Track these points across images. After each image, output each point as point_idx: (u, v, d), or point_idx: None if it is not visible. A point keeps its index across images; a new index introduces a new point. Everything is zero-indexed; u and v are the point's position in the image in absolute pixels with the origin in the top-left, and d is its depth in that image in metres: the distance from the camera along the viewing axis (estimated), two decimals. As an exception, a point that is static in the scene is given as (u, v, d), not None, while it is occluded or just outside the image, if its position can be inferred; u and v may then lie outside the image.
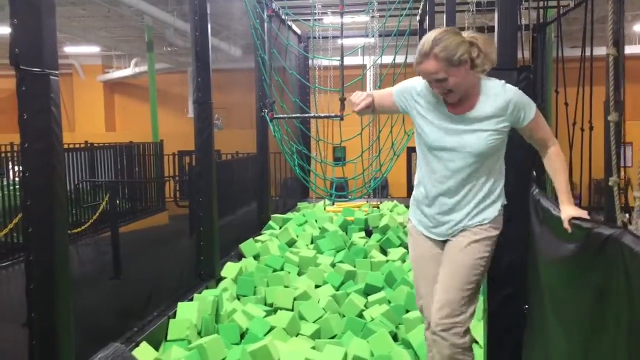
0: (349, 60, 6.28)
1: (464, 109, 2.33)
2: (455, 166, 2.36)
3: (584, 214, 2.00)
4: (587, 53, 4.35)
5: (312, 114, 8.05)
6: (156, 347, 3.64)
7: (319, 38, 8.92)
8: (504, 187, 2.46)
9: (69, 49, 15.00)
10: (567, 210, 2.04)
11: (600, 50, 3.35)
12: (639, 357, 1.33)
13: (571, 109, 4.40)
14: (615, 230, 1.51)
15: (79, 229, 7.95)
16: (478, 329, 3.52)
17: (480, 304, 3.68)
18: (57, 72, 2.61)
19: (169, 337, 3.83)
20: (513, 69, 2.63)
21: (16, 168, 8.33)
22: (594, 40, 4.28)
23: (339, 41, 9.30)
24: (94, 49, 15.48)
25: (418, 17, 8.71)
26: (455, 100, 2.31)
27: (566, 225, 1.96)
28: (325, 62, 9.04)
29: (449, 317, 2.38)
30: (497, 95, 2.30)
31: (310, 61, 9.63)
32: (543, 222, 2.32)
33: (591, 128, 4.45)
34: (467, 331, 2.40)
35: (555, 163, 2.35)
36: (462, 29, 2.63)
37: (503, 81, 2.36)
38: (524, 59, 3.92)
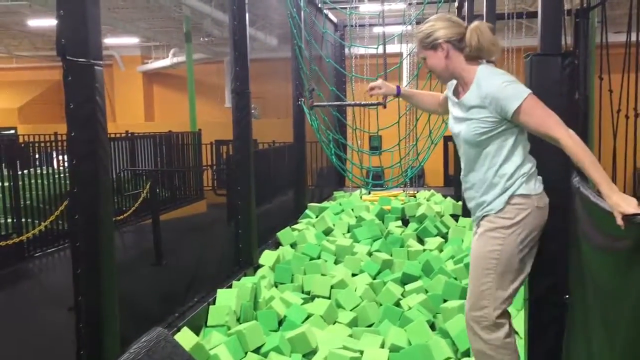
0: (386, 49, 6.22)
1: (460, 95, 2.42)
2: (462, 153, 2.46)
3: (633, 203, 1.91)
4: (633, 38, 4.21)
5: (353, 102, 8.02)
6: (197, 333, 3.72)
7: (356, 26, 8.86)
8: (536, 175, 2.39)
9: (109, 40, 15.29)
10: (615, 203, 1.90)
11: (647, 35, 3.24)
12: None
13: (615, 96, 4.28)
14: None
15: (121, 217, 8.14)
16: (518, 319, 3.49)
17: (520, 294, 3.64)
18: (101, 62, 2.67)
19: (209, 323, 3.90)
20: (557, 55, 2.58)
21: (60, 157, 8.58)
22: (640, 24, 4.15)
23: (375, 29, 9.24)
24: (133, 40, 15.74)
25: (456, 3, 8.57)
26: (443, 83, 2.54)
27: (619, 221, 1.86)
28: (362, 51, 8.98)
29: (472, 310, 2.39)
30: (480, 86, 2.31)
31: (346, 49, 9.59)
32: (587, 213, 2.27)
33: (636, 115, 4.32)
34: (499, 327, 2.35)
35: (572, 154, 2.14)
36: (501, 16, 2.60)
37: (500, 72, 2.34)
38: (566, 45, 3.83)
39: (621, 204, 1.87)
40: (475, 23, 2.35)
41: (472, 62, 2.35)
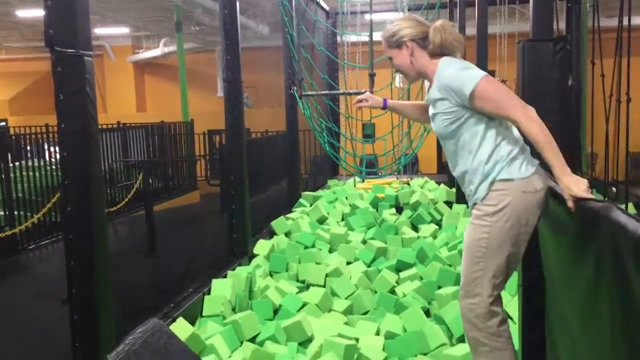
0: (378, 36, 6.19)
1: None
2: (444, 149, 2.49)
3: (583, 186, 1.92)
4: (625, 22, 4.21)
5: (341, 91, 8.00)
6: (192, 323, 3.72)
7: (347, 14, 8.82)
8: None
9: (99, 31, 15.15)
10: (566, 185, 1.93)
11: (638, 20, 3.24)
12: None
13: (607, 81, 4.29)
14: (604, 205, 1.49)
15: (114, 208, 8.11)
16: (512, 305, 3.51)
17: (514, 280, 3.66)
18: (90, 52, 2.65)
19: (204, 313, 3.91)
20: (549, 40, 2.57)
21: (52, 149, 8.53)
22: (632, 9, 4.14)
23: (367, 16, 9.20)
24: (124, 30, 15.61)
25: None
26: (410, 82, 2.59)
27: (569, 204, 1.89)
28: (353, 38, 8.95)
29: (466, 298, 2.40)
30: (438, 78, 2.36)
31: (338, 37, 9.55)
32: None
33: (628, 100, 4.33)
34: (493, 314, 2.36)
35: (529, 134, 2.13)
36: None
37: (457, 61, 2.34)
38: (558, 30, 3.82)
39: (571, 186, 1.89)
40: (440, 22, 2.39)
41: (435, 58, 2.39)
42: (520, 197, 2.26)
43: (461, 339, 3.45)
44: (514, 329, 3.18)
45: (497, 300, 2.38)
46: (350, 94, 6.72)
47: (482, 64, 7.07)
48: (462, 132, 2.33)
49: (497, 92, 2.21)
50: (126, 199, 8.36)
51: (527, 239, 2.32)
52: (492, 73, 5.49)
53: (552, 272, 2.26)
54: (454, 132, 2.35)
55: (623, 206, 1.94)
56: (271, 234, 5.90)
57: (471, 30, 7.52)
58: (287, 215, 6.31)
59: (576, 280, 1.77)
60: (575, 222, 1.76)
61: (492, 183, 2.29)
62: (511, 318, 3.57)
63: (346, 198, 7.15)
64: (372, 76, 5.60)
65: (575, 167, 2.74)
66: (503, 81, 9.87)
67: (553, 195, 2.22)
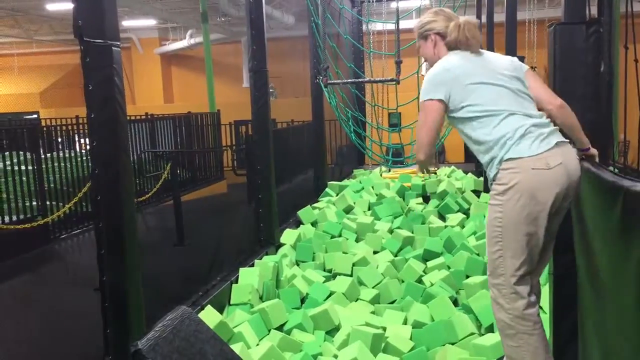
0: (404, 24, 6.13)
1: None
2: None
3: None
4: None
5: (368, 79, 7.95)
6: (220, 311, 3.75)
7: (373, 1, 8.75)
8: None
9: (126, 23, 15.31)
10: None
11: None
12: None
13: (642, 66, 4.17)
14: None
15: (142, 198, 8.21)
16: (543, 293, 3.46)
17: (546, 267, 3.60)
18: (118, 43, 2.66)
19: (232, 301, 3.94)
20: (582, 23, 2.50)
21: (82, 140, 8.66)
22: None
23: (393, 4, 9.11)
24: (151, 22, 15.74)
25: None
26: None
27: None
28: (379, 26, 8.88)
29: (492, 278, 2.42)
30: None
31: (364, 25, 9.48)
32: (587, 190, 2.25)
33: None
34: (519, 296, 2.35)
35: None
36: None
37: (438, 65, 2.49)
38: (590, 15, 3.73)
39: None
40: (463, 19, 2.52)
41: (450, 51, 2.55)
42: (531, 174, 2.27)
43: (490, 329, 3.42)
44: (544, 318, 3.14)
45: (522, 282, 2.36)
46: (377, 81, 6.67)
47: (511, 50, 6.95)
48: (458, 122, 2.48)
49: (423, 119, 2.46)
50: (154, 189, 8.46)
51: (545, 216, 2.29)
52: (521, 59, 5.40)
53: (589, 261, 2.20)
54: (454, 123, 2.50)
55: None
56: (298, 223, 5.91)
57: (500, 16, 7.39)
58: (313, 205, 6.32)
59: (621, 269, 1.72)
60: (619, 209, 1.70)
61: (500, 162, 2.33)
62: (541, 307, 3.53)
63: (372, 187, 7.12)
64: (398, 63, 5.56)
65: (607, 154, 2.67)
66: (532, 67, 9.70)
67: (589, 182, 2.17)
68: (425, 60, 2.67)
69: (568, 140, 2.40)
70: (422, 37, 2.62)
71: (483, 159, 2.43)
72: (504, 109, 2.36)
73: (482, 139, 2.39)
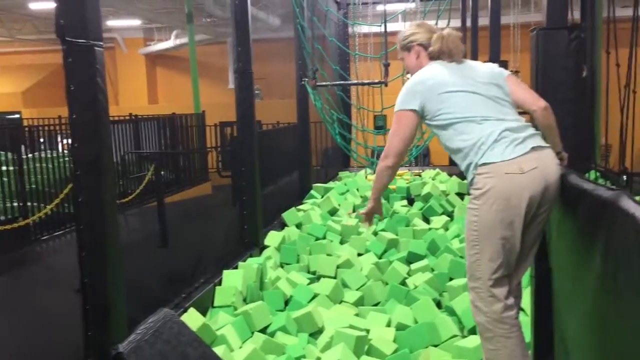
0: (389, 27, 6.15)
1: None
2: None
3: None
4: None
5: (356, 81, 7.96)
6: (203, 313, 3.73)
7: (359, 4, 8.77)
8: None
9: (111, 23, 15.20)
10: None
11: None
12: None
13: (622, 71, 4.22)
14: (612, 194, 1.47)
15: (126, 199, 8.15)
16: (525, 297, 3.48)
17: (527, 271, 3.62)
18: (101, 43, 2.64)
19: (215, 304, 3.92)
20: (563, 28, 2.53)
21: (64, 140, 8.58)
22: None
23: (379, 7, 9.14)
24: (135, 22, 15.64)
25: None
26: None
27: None
28: (365, 29, 8.90)
29: (470, 282, 2.46)
30: None
31: (349, 28, 9.50)
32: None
33: (644, 90, 4.26)
34: (496, 299, 2.37)
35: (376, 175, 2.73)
36: None
37: (417, 74, 2.57)
38: (572, 19, 3.77)
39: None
40: (447, 30, 2.62)
41: (431, 61, 2.63)
42: (504, 179, 2.30)
43: (472, 331, 3.44)
44: (526, 321, 3.17)
45: (499, 285, 2.38)
46: (365, 84, 6.69)
47: (495, 54, 7.01)
48: (434, 128, 2.54)
49: (395, 128, 2.55)
50: (138, 191, 8.40)
51: (521, 221, 2.31)
52: (504, 63, 5.44)
53: (560, 262, 2.24)
54: (432, 129, 2.57)
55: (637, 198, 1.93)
56: (282, 225, 5.90)
57: (483, 20, 7.45)
58: (298, 207, 6.31)
59: (584, 268, 1.75)
60: (584, 210, 1.74)
61: (476, 167, 2.37)
62: (523, 310, 3.55)
63: (357, 190, 7.13)
64: (386, 66, 5.58)
65: (589, 158, 2.71)
66: (516, 72, 9.79)
67: (560, 183, 2.20)
68: (407, 72, 2.74)
69: (548, 145, 2.40)
70: (406, 49, 2.71)
71: (461, 165, 2.48)
72: (477, 115, 2.41)
73: (458, 146, 2.44)
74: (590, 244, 1.67)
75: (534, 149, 2.33)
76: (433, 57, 2.61)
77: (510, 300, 2.41)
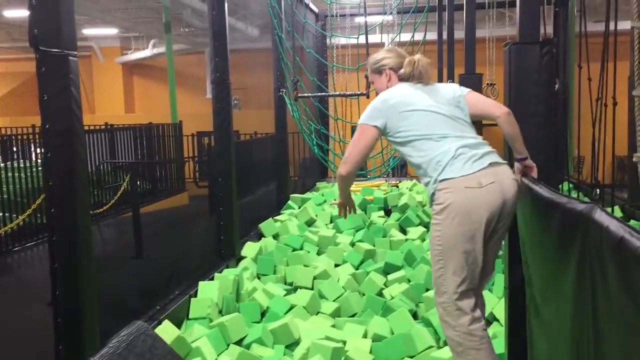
0: (368, 39, 6.20)
1: None
2: None
3: None
4: (611, 27, 4.24)
5: (338, 93, 8.01)
6: (178, 326, 3.69)
7: (337, 16, 8.83)
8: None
9: (87, 31, 15.05)
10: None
11: (625, 25, 3.26)
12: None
13: (594, 85, 4.31)
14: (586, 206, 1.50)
15: (100, 210, 8.05)
16: (500, 307, 3.52)
17: (500, 282, 3.67)
18: (75, 52, 2.62)
19: (190, 316, 3.88)
20: (535, 43, 2.58)
21: (38, 150, 8.45)
22: (619, 13, 4.17)
23: (357, 19, 9.22)
24: (112, 31, 15.51)
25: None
26: None
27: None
28: (343, 41, 8.96)
29: (436, 296, 2.48)
30: None
31: (327, 40, 9.56)
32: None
33: (615, 104, 4.36)
34: (463, 312, 2.40)
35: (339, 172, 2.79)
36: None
37: (383, 94, 2.69)
38: (545, 34, 3.85)
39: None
40: (418, 56, 2.74)
41: (400, 82, 2.74)
42: (464, 193, 2.36)
43: (448, 342, 3.45)
44: (501, 331, 3.19)
45: (465, 297, 2.41)
46: (347, 95, 6.72)
47: (470, 67, 7.10)
48: (396, 145, 2.65)
49: (355, 140, 2.64)
50: (113, 201, 8.30)
51: (482, 234, 2.36)
52: (480, 76, 5.52)
53: (533, 274, 2.27)
54: (395, 145, 2.67)
55: (609, 209, 1.97)
56: (259, 236, 5.88)
57: (460, 34, 7.55)
58: (275, 218, 6.29)
59: (558, 281, 1.77)
60: (558, 223, 1.77)
61: (436, 182, 2.44)
62: (498, 320, 3.58)
63: (334, 200, 7.13)
64: (367, 77, 5.61)
65: (562, 170, 2.75)
66: (491, 84, 9.92)
67: (532, 196, 2.23)
68: (377, 94, 2.81)
69: (505, 162, 2.49)
70: (377, 72, 2.83)
71: (423, 180, 2.56)
72: (435, 132, 2.49)
73: (418, 162, 2.53)
74: (565, 256, 1.69)
75: (491, 164, 2.42)
76: (403, 79, 2.73)
77: (478, 313, 2.43)
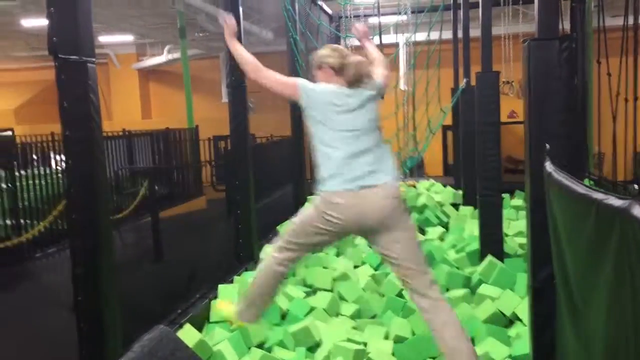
0: (385, 38, 6.18)
1: None
2: None
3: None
4: (630, 22, 4.19)
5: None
6: (199, 329, 3.70)
7: (351, 17, 8.81)
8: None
9: (103, 39, 15.20)
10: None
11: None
12: None
13: (614, 80, 4.26)
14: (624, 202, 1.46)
15: (120, 215, 8.11)
16: (522, 307, 3.47)
17: (523, 281, 3.62)
18: (94, 59, 2.64)
19: (211, 319, 3.89)
20: (555, 39, 2.54)
21: (57, 157, 8.54)
22: (638, 9, 4.11)
23: (371, 20, 9.19)
24: (128, 38, 15.65)
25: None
26: None
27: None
28: (357, 42, 8.93)
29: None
30: None
31: (342, 41, 9.54)
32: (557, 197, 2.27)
33: (635, 99, 4.30)
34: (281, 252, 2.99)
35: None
36: None
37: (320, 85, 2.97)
38: (563, 30, 3.80)
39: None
40: (357, 59, 2.98)
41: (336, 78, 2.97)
42: (321, 203, 2.83)
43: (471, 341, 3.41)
44: (524, 331, 3.15)
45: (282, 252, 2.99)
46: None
47: (486, 65, 7.02)
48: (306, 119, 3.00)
49: (284, 78, 3.05)
50: (132, 206, 8.36)
51: (318, 231, 2.86)
52: (497, 74, 5.48)
53: (566, 273, 2.22)
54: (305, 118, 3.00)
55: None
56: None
57: (475, 31, 7.48)
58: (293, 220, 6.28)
59: (594, 279, 1.73)
60: (593, 219, 1.71)
61: (318, 183, 2.87)
62: (521, 320, 3.54)
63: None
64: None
65: (582, 166, 2.71)
66: (508, 82, 9.83)
67: (562, 194, 2.19)
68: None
69: (383, 182, 2.79)
70: (318, 67, 3.05)
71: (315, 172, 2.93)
72: (331, 144, 2.83)
73: (314, 155, 2.93)
74: (601, 253, 1.65)
75: (362, 187, 2.75)
76: (339, 76, 2.95)
77: (284, 264, 2.98)
